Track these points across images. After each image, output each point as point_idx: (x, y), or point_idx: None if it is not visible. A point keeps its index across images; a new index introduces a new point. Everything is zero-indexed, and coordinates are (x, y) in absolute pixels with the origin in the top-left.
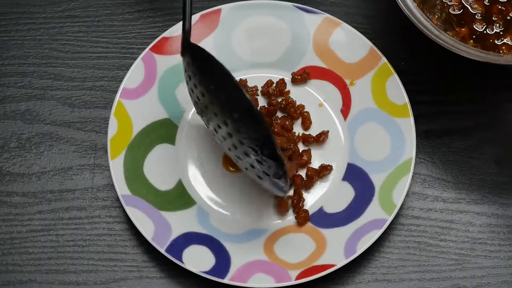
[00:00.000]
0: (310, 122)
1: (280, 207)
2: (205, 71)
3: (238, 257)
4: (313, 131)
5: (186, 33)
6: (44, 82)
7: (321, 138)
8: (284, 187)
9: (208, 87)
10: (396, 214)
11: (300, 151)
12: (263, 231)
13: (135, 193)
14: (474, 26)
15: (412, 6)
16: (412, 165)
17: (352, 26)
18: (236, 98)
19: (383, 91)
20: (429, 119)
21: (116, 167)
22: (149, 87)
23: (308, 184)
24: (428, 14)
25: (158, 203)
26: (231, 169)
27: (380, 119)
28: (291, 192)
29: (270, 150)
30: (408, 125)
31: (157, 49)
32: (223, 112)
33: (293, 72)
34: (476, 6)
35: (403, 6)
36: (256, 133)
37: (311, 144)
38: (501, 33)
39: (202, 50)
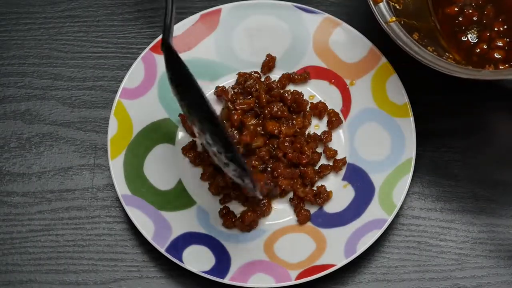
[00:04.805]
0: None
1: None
2: (175, 72)
3: (238, 257)
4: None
5: (166, 30)
6: (44, 82)
7: (325, 138)
8: (252, 189)
9: (178, 87)
10: (396, 214)
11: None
12: (263, 231)
13: (135, 193)
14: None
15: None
16: (412, 165)
17: (352, 26)
18: (198, 104)
19: (383, 91)
20: (429, 119)
21: (116, 167)
22: (149, 87)
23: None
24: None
25: (158, 203)
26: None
27: (380, 119)
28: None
29: (232, 152)
30: (408, 125)
31: (157, 49)
32: (189, 113)
33: (293, 72)
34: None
35: (382, 23)
36: (217, 136)
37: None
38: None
39: (173, 53)
